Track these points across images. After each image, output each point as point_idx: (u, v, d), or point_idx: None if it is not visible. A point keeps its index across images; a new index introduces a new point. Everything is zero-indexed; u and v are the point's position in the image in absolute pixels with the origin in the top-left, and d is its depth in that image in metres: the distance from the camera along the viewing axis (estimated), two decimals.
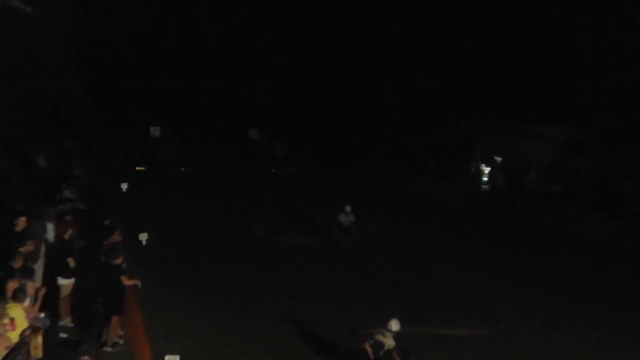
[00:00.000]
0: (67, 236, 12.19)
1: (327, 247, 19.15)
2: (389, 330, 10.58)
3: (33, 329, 8.12)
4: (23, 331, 8.04)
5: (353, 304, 14.42)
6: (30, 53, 25.38)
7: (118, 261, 11.36)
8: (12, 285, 9.11)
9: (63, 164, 20.76)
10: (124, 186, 18.76)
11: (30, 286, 9.46)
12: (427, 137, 35.13)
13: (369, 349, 10.38)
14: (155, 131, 31.07)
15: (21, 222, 11.66)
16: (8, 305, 8.50)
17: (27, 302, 9.13)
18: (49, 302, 10.59)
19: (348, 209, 19.33)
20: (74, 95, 29.00)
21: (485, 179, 31.90)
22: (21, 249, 10.46)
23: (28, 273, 9.80)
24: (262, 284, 15.27)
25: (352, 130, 36.69)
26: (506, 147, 31.19)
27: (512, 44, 34.64)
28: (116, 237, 12.70)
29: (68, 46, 29.40)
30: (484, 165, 32.39)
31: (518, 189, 29.21)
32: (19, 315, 8.62)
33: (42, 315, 9.49)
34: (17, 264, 10.01)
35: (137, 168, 27.45)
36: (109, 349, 11.20)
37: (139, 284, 11.56)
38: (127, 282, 11.39)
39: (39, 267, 11.57)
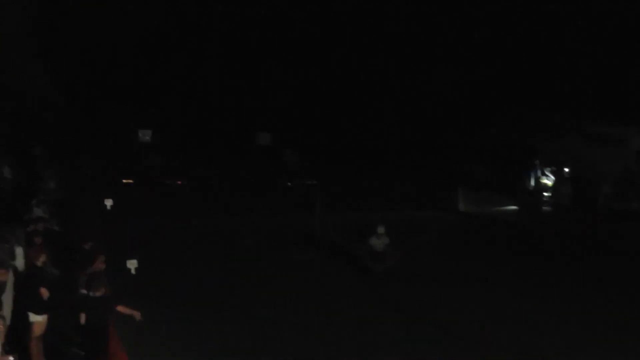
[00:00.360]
0: (39, 263, 12.20)
1: (353, 275, 19.11)
2: None
3: None
4: None
5: (384, 347, 14.23)
6: None
7: (100, 293, 11.34)
8: None
9: (32, 175, 20.91)
10: (108, 203, 18.88)
11: None
12: (474, 141, 34.95)
13: None
14: (145, 136, 31.28)
15: None
16: None
17: None
18: (18, 342, 10.57)
19: (381, 230, 19.30)
20: (45, 92, 29.24)
21: (547, 193, 31.66)
22: None
23: None
24: (270, 321, 15.13)
25: (379, 132, 36.56)
26: (572, 155, 30.93)
27: (577, 24, 34.16)
28: (98, 265, 12.69)
29: (37, 34, 29.67)
30: (545, 177, 32.21)
31: (589, 206, 28.90)
32: None
33: (11, 358, 9.47)
34: None
35: (124, 181, 27.65)
36: None
37: (137, 315, 11.42)
38: (124, 310, 11.36)
39: (6, 300, 11.58)
